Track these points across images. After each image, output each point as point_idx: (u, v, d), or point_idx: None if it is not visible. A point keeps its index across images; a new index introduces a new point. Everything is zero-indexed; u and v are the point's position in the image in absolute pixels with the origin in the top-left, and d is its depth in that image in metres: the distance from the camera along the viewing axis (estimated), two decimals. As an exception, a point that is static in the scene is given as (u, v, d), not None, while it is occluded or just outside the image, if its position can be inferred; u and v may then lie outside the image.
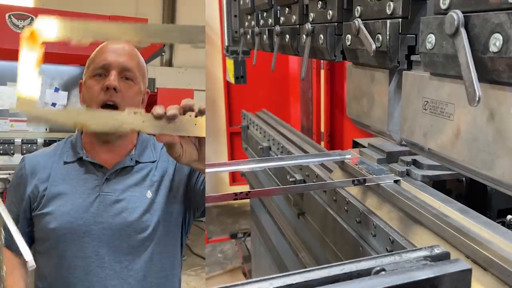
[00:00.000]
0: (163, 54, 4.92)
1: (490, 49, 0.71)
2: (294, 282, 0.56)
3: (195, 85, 4.82)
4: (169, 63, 7.56)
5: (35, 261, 1.36)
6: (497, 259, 0.79)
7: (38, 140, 3.81)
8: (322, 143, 4.55)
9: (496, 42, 0.70)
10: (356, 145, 1.57)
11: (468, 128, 0.87)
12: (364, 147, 1.47)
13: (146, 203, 1.36)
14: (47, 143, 3.74)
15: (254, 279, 0.57)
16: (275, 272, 1.59)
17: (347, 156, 1.41)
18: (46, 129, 3.95)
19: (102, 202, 1.34)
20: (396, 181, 1.21)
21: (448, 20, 0.77)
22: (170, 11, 7.61)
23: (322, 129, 4.63)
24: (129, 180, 1.38)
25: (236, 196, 1.05)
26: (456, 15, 0.76)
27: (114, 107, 1.32)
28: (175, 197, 1.41)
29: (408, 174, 1.23)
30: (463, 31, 0.75)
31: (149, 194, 1.37)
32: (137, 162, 1.41)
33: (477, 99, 0.71)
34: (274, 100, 5.27)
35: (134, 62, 1.39)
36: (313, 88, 4.65)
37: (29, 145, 3.75)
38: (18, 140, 3.78)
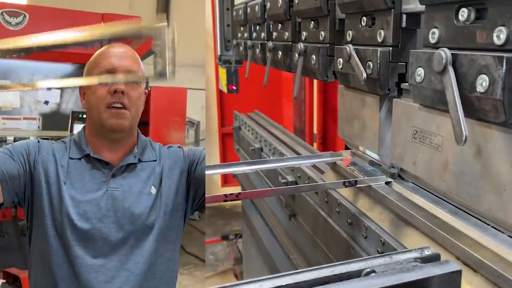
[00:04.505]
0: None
1: (477, 89, 0.71)
2: (284, 284, 0.56)
3: (189, 84, 4.81)
4: (162, 62, 7.52)
5: (37, 254, 1.37)
6: (487, 261, 0.79)
7: (30, 138, 3.78)
8: (315, 144, 4.56)
9: (482, 83, 0.70)
10: (348, 146, 1.57)
11: (456, 161, 0.87)
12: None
13: (152, 199, 1.42)
14: (39, 141, 3.71)
15: (244, 281, 0.57)
16: (266, 274, 1.59)
17: (339, 158, 1.41)
18: (38, 127, 3.92)
19: (110, 196, 1.38)
20: (387, 183, 1.21)
21: (436, 58, 0.77)
22: (164, 9, 7.59)
23: (315, 130, 4.64)
24: (133, 177, 1.44)
25: (226, 197, 1.05)
26: (444, 53, 0.76)
27: (121, 108, 1.37)
28: (178, 189, 1.46)
29: (399, 175, 1.23)
30: (450, 69, 0.75)
31: (153, 190, 1.43)
32: (140, 161, 1.47)
33: (463, 138, 0.71)
34: (266, 101, 5.27)
35: (137, 65, 1.45)
36: (306, 89, 4.65)
37: (22, 143, 3.73)
38: (10, 138, 3.75)
